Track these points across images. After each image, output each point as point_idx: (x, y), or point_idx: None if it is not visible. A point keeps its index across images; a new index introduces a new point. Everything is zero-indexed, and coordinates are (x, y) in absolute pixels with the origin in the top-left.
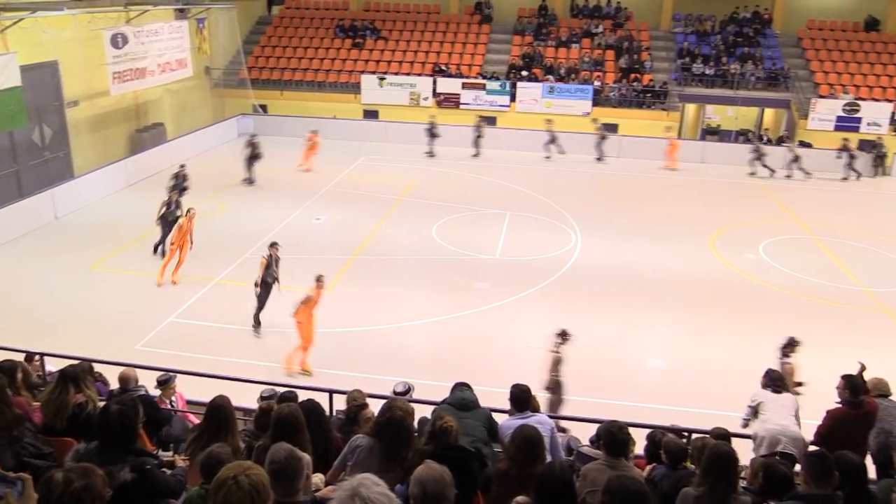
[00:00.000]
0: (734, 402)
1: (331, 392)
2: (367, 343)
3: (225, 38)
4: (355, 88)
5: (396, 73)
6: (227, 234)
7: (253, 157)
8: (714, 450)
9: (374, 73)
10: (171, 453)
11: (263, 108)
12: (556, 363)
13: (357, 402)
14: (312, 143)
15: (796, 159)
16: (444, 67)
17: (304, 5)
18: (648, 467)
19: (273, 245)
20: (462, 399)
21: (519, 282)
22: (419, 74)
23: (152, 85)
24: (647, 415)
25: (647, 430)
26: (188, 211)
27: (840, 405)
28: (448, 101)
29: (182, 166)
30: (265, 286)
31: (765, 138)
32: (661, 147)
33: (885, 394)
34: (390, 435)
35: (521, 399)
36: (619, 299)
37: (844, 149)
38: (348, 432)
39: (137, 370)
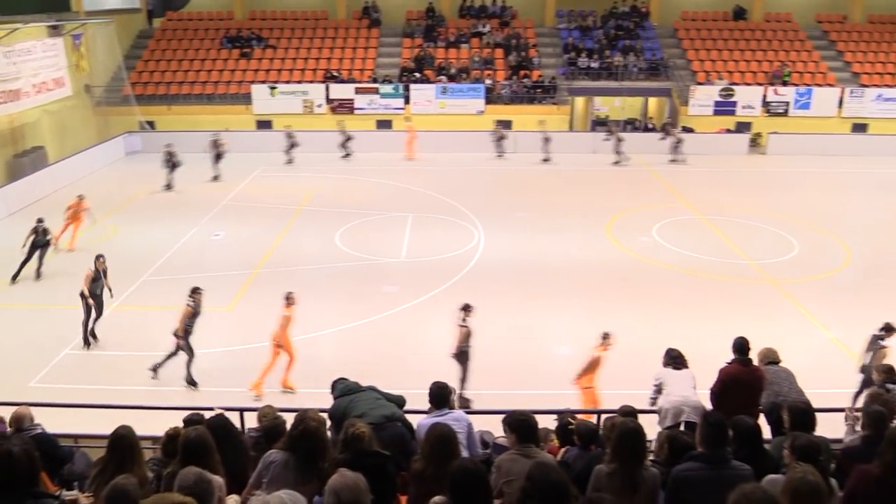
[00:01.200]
0: (640, 379)
1: (241, 410)
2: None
3: (104, 54)
4: (246, 99)
5: (287, 82)
6: (122, 258)
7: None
8: (621, 427)
9: (264, 82)
10: (74, 492)
11: (151, 124)
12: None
13: (269, 418)
14: (74, 214)
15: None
16: (335, 73)
17: (187, 17)
18: (562, 450)
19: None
20: (347, 386)
21: (426, 282)
22: (311, 82)
23: (28, 107)
24: (559, 401)
25: (561, 416)
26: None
27: (730, 363)
28: (342, 107)
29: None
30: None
31: (649, 126)
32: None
33: (775, 361)
34: (305, 447)
35: (440, 396)
36: (524, 291)
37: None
38: (263, 450)
39: (33, 408)
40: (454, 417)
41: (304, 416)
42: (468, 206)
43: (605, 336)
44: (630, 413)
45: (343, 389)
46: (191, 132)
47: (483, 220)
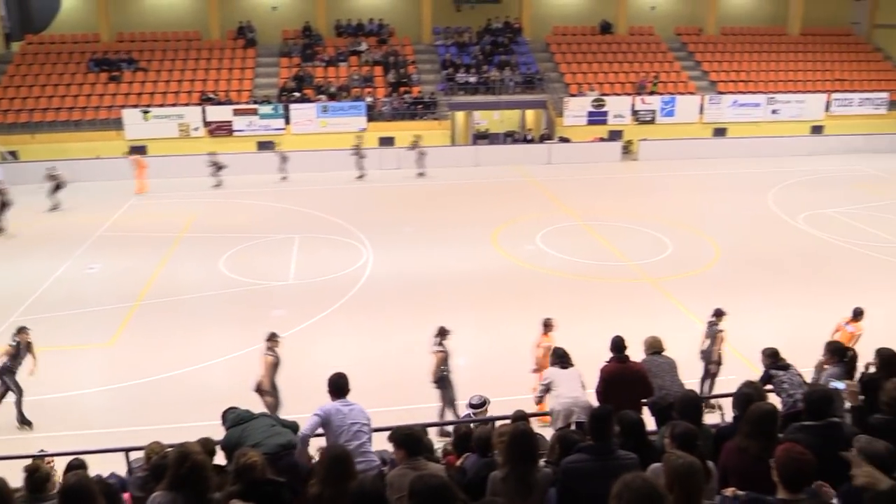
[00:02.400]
0: (534, 383)
1: (127, 450)
2: (164, 392)
3: None
4: (117, 124)
5: (161, 105)
6: None
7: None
8: (512, 431)
9: (136, 106)
10: None
11: (13, 154)
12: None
13: (158, 456)
14: None
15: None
16: (212, 95)
17: (49, 40)
18: (462, 458)
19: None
20: (238, 415)
21: (317, 303)
22: (186, 104)
23: None
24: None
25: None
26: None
27: (608, 362)
28: (220, 130)
29: None
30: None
31: (528, 137)
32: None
33: (659, 350)
34: (191, 483)
35: (339, 384)
36: (416, 306)
37: (355, 149)
38: (152, 490)
39: None
40: (360, 409)
41: (185, 450)
42: (355, 223)
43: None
44: (521, 417)
45: (234, 419)
46: (58, 161)
47: (371, 237)
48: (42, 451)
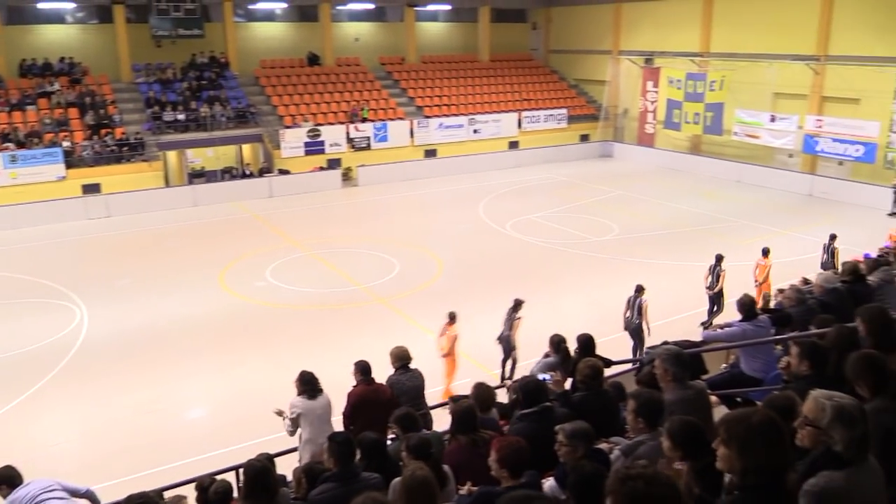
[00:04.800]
0: (273, 426)
1: None
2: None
3: None
4: None
5: None
6: None
7: None
8: (249, 471)
9: None
10: None
11: None
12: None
13: None
14: None
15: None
16: None
17: None
18: None
19: None
20: None
21: (24, 378)
22: None
23: None
24: (202, 467)
25: (195, 483)
26: None
27: (356, 386)
28: None
29: None
30: None
31: (247, 171)
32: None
33: (407, 362)
34: None
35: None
36: (143, 362)
37: None
38: None
39: None
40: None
41: None
42: (63, 282)
43: (451, 316)
44: (269, 458)
45: None
46: None
47: (83, 295)
48: None
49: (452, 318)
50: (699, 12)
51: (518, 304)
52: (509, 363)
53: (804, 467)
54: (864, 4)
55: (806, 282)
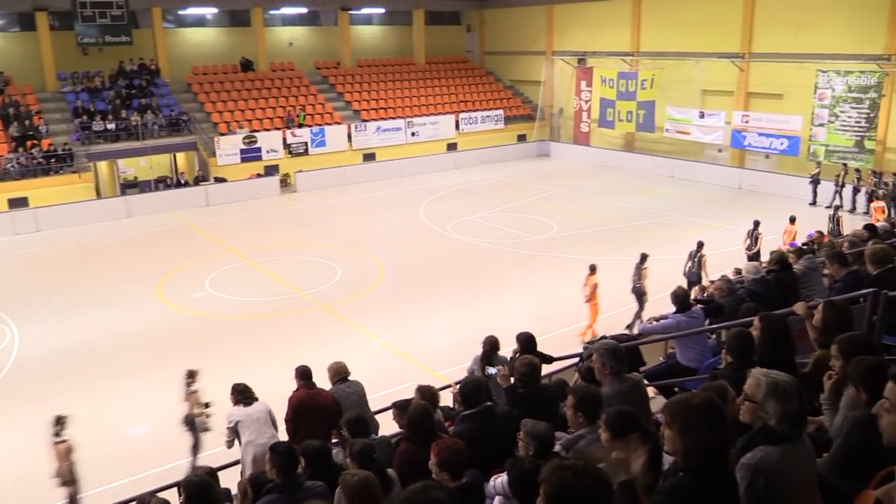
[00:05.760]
0: (216, 436)
1: None
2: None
3: None
4: None
5: None
6: None
7: None
8: (188, 487)
9: None
10: None
11: None
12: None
13: None
14: None
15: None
16: None
17: None
18: None
19: None
20: None
21: None
22: None
23: None
24: (144, 485)
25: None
26: None
27: (296, 390)
28: None
29: None
30: None
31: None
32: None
33: (345, 376)
34: None
35: None
36: (79, 380)
37: None
38: None
39: None
40: None
41: None
42: None
43: (592, 267)
44: (210, 473)
45: None
46: None
47: (12, 314)
48: None
49: (593, 269)
50: (629, 13)
51: (644, 257)
52: (637, 311)
53: (742, 442)
54: (785, 2)
55: (738, 272)
